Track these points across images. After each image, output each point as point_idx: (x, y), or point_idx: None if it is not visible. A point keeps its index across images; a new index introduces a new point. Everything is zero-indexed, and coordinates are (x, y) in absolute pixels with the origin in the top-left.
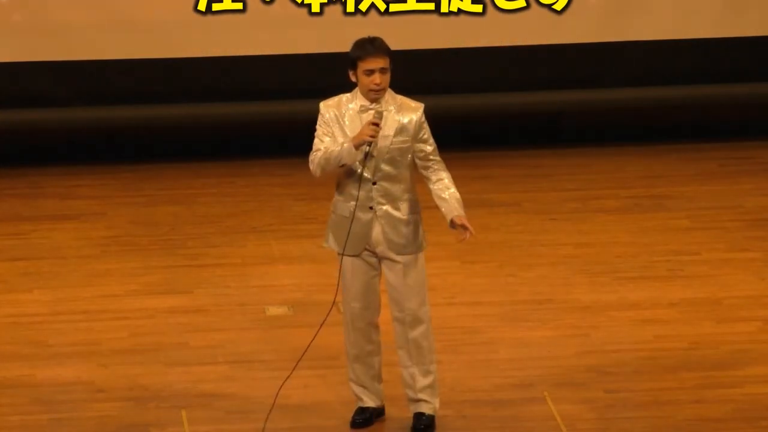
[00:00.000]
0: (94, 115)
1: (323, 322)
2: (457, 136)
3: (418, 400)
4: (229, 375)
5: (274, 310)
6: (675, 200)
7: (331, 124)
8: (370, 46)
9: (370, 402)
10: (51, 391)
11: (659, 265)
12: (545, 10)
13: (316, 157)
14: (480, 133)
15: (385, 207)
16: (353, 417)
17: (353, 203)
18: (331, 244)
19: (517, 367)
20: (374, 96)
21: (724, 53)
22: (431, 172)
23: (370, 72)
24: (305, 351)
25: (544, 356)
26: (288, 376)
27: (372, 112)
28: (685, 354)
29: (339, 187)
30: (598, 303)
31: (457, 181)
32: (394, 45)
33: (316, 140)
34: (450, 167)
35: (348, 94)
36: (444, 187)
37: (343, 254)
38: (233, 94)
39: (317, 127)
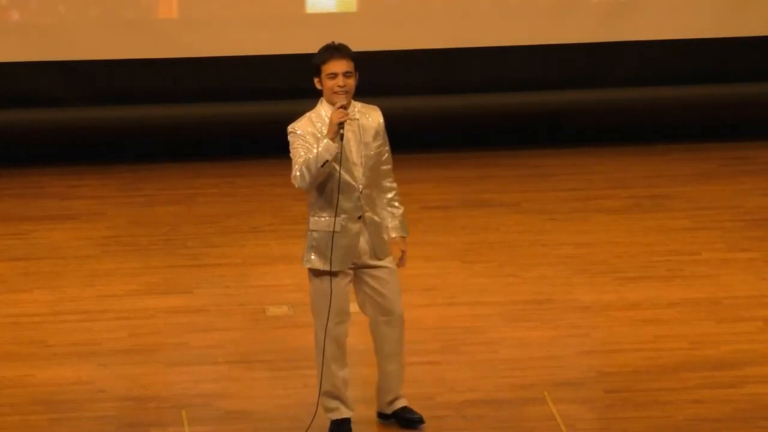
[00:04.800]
0: (94, 115)
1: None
2: (457, 136)
3: (399, 397)
4: (229, 375)
5: (274, 310)
6: (675, 200)
7: (310, 141)
8: (333, 49)
9: (347, 412)
10: (51, 391)
11: (659, 265)
12: (545, 10)
13: (297, 171)
14: (480, 133)
15: (368, 214)
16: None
17: (344, 215)
18: (316, 264)
19: (517, 367)
20: (339, 101)
21: (725, 53)
22: (385, 176)
23: (334, 75)
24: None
25: (544, 356)
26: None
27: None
28: (685, 354)
29: (320, 203)
30: (598, 303)
31: (457, 181)
32: (395, 45)
33: (293, 158)
34: (450, 167)
35: (313, 111)
36: (395, 203)
37: (329, 273)
38: (234, 94)
39: (292, 147)
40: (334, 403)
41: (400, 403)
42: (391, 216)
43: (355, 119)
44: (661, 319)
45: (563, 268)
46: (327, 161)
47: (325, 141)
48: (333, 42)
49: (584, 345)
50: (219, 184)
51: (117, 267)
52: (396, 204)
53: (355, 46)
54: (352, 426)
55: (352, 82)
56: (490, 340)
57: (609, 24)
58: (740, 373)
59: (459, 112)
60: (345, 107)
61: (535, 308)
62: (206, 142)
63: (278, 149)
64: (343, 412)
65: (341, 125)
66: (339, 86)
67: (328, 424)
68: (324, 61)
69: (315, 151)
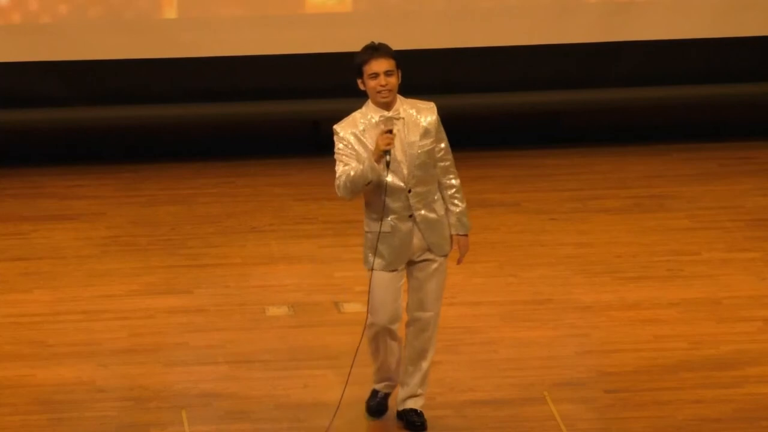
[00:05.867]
0: (94, 115)
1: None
2: (457, 136)
3: (414, 396)
4: (229, 375)
5: (274, 310)
6: (675, 200)
7: (352, 143)
8: (373, 50)
9: (387, 389)
10: (51, 391)
11: (659, 265)
12: (545, 10)
13: (341, 182)
14: (480, 133)
15: (422, 212)
16: (369, 401)
17: (393, 216)
18: (375, 264)
19: (517, 367)
20: (382, 100)
21: (724, 53)
22: (444, 173)
23: (375, 75)
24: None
25: (544, 356)
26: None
27: (382, 121)
28: (685, 354)
29: (370, 204)
30: (598, 303)
31: None
32: (394, 45)
33: (338, 165)
34: None
35: (360, 110)
36: (455, 200)
37: (378, 270)
38: (233, 94)
39: (336, 150)
40: (382, 384)
41: (410, 404)
42: (450, 213)
43: (400, 118)
44: (661, 319)
45: (563, 268)
46: (371, 182)
47: (367, 162)
48: (373, 42)
49: (584, 345)
50: (219, 184)
51: (117, 267)
52: (455, 201)
53: (355, 46)
54: (358, 427)
55: (394, 81)
56: (490, 340)
57: (609, 24)
58: (740, 373)
59: (459, 112)
60: (390, 131)
61: (535, 308)
62: (206, 142)
63: (278, 149)
64: (384, 389)
65: (387, 152)
66: (381, 86)
67: (343, 424)
68: (365, 62)
69: (360, 167)
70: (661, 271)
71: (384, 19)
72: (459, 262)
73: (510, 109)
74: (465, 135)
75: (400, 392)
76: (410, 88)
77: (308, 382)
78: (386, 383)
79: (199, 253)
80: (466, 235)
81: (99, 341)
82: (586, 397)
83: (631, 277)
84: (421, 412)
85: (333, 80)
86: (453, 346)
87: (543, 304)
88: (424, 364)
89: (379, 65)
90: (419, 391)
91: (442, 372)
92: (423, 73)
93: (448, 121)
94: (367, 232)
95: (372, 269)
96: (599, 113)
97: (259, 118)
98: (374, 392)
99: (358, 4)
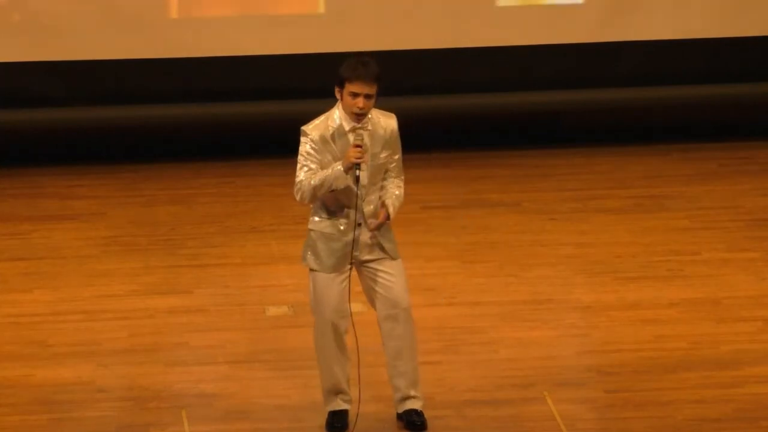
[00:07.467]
0: (95, 115)
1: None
2: (457, 136)
3: (410, 397)
4: (229, 375)
5: (274, 310)
6: (675, 200)
7: (319, 146)
8: (362, 69)
9: (345, 404)
10: (51, 391)
11: (659, 265)
12: (545, 10)
13: (303, 186)
14: (480, 133)
15: (372, 220)
16: (332, 423)
17: (344, 220)
18: (312, 263)
19: (517, 367)
20: (356, 118)
21: (724, 53)
22: (388, 178)
23: (355, 95)
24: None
25: (544, 356)
26: None
27: (353, 135)
28: (685, 354)
29: (320, 204)
30: (598, 303)
31: (457, 181)
32: (394, 45)
33: (299, 168)
34: (450, 167)
35: (329, 113)
36: (392, 186)
37: (318, 271)
38: (233, 94)
39: (301, 153)
40: (332, 396)
41: (409, 405)
42: (387, 194)
43: (367, 129)
44: (661, 319)
45: (563, 268)
46: (335, 189)
47: (337, 169)
48: (363, 57)
49: (584, 345)
50: (219, 184)
51: (117, 267)
52: (396, 191)
53: (355, 47)
54: (350, 420)
55: (371, 104)
56: (490, 340)
57: (609, 24)
58: (740, 373)
59: (459, 112)
60: (360, 145)
61: (535, 308)
62: (206, 142)
63: (278, 149)
64: (340, 404)
65: (357, 165)
66: (359, 108)
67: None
68: (349, 79)
69: (327, 172)
70: (661, 271)
71: (384, 19)
72: (371, 223)
73: (510, 109)
74: (465, 135)
75: (394, 395)
76: (410, 88)
77: (308, 382)
78: (340, 396)
79: (199, 253)
80: (387, 214)
81: (99, 341)
82: (586, 397)
83: (631, 277)
84: (421, 411)
85: (333, 80)
86: (453, 346)
87: (543, 304)
88: (406, 365)
89: (362, 88)
90: (412, 392)
91: (442, 372)
92: (423, 73)
93: (449, 121)
94: (311, 230)
95: (311, 269)
96: (599, 113)
97: (259, 118)
98: (330, 415)
99: (359, 4)
